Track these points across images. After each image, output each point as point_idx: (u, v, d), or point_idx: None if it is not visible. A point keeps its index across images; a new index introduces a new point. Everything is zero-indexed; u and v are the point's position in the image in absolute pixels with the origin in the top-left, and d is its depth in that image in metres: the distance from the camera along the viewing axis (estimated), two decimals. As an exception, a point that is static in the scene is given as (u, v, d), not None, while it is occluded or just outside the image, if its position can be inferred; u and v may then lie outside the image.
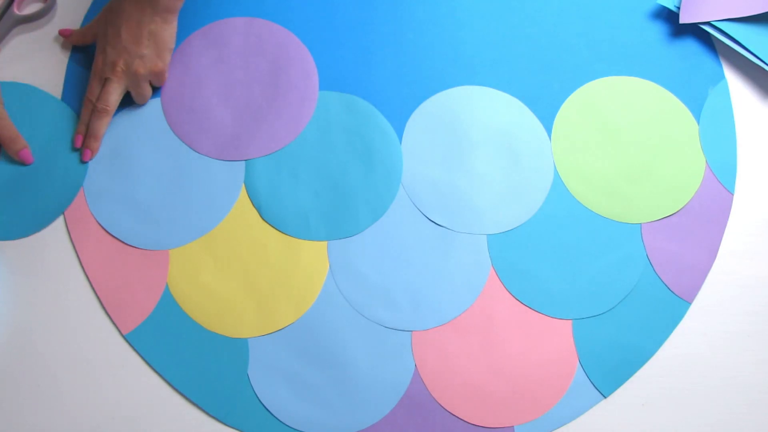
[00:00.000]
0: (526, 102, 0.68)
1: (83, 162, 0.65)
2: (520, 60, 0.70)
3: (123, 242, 0.63)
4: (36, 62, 0.68)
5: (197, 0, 0.71)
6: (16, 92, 0.66)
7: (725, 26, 0.69)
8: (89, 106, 0.64)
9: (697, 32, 0.71)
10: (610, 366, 0.60)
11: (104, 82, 0.64)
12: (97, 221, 0.63)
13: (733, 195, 0.66)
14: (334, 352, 0.60)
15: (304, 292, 0.62)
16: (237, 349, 0.60)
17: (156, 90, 0.67)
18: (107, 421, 0.58)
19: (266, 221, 0.64)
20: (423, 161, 0.66)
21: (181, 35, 0.69)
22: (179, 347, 0.60)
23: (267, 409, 0.59)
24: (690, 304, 0.63)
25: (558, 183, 0.66)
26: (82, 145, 0.65)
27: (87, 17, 0.70)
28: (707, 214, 0.65)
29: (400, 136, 0.67)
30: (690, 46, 0.71)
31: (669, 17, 0.72)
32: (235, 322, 0.61)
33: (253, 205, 0.64)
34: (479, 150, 0.66)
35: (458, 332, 0.61)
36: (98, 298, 0.61)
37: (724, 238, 0.65)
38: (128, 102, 0.67)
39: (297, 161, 0.66)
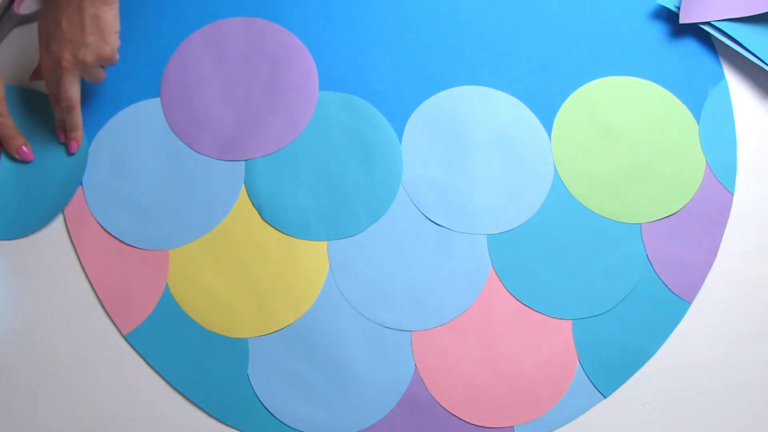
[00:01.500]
0: (526, 102, 0.68)
1: (70, 153, 0.64)
2: (520, 60, 0.70)
3: (123, 242, 0.63)
4: (36, 62, 0.68)
5: (197, 0, 0.71)
6: (15, 93, 0.66)
7: (725, 26, 0.69)
8: (57, 106, 0.63)
9: (697, 32, 0.71)
10: (610, 366, 0.60)
11: (58, 78, 0.61)
12: (96, 221, 0.63)
13: (733, 195, 0.66)
14: (334, 352, 0.60)
15: (304, 292, 0.62)
16: (237, 349, 0.60)
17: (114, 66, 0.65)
18: (107, 421, 0.58)
19: (266, 221, 0.64)
20: (423, 161, 0.66)
21: (181, 35, 0.69)
22: (179, 347, 0.60)
23: (267, 409, 0.59)
24: (690, 304, 0.63)
25: (558, 183, 0.66)
26: (66, 138, 0.64)
27: (87, 17, 0.70)
28: (707, 214, 0.65)
29: (400, 136, 0.67)
30: (690, 46, 0.71)
31: (669, 17, 0.72)
32: (235, 322, 0.61)
33: (253, 205, 0.64)
34: (479, 150, 0.66)
35: (458, 332, 0.61)
36: (98, 298, 0.61)
37: (724, 238, 0.65)
38: (129, 102, 0.67)
39: (297, 161, 0.66)
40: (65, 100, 0.62)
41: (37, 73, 0.66)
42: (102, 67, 0.63)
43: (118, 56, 0.62)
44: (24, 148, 0.63)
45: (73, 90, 0.62)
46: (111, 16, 0.60)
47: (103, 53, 0.60)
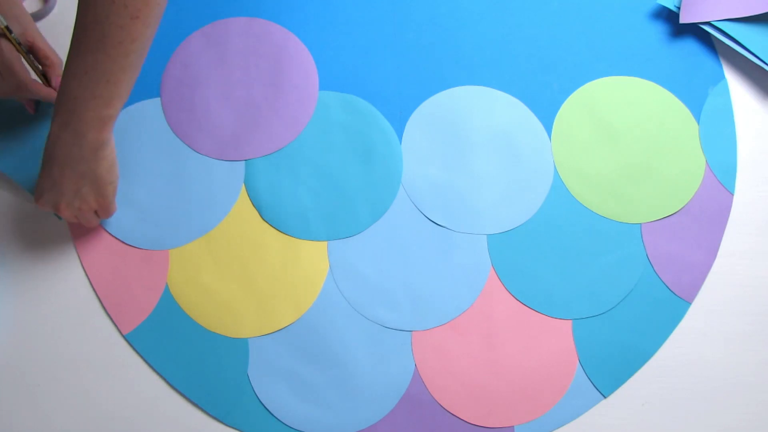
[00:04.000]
0: (526, 102, 0.68)
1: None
2: (520, 60, 0.70)
3: (123, 242, 0.63)
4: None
5: (197, 0, 0.71)
6: (13, 103, 0.66)
7: (725, 26, 0.69)
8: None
9: (697, 32, 0.71)
10: (610, 366, 0.60)
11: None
12: (97, 221, 0.63)
13: (733, 195, 0.66)
14: (334, 352, 0.60)
15: (304, 292, 0.62)
16: (237, 349, 0.60)
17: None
18: (107, 421, 0.58)
19: (266, 221, 0.64)
20: (423, 161, 0.66)
21: (181, 35, 0.69)
22: (179, 347, 0.60)
23: (267, 409, 0.59)
24: (690, 304, 0.63)
25: (558, 183, 0.66)
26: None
27: (87, 17, 0.70)
28: (707, 214, 0.65)
29: (400, 136, 0.67)
30: (690, 46, 0.71)
31: (669, 17, 0.72)
32: (235, 322, 0.61)
33: (253, 205, 0.64)
34: (479, 150, 0.66)
35: (458, 332, 0.61)
36: (98, 298, 0.61)
37: (724, 238, 0.65)
38: (129, 102, 0.67)
39: (297, 161, 0.66)
40: (91, 225, 0.62)
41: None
42: (96, 215, 0.61)
43: (114, 207, 0.61)
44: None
45: (95, 222, 0.61)
46: (103, 170, 0.56)
47: (96, 205, 0.59)
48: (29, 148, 0.64)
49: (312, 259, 0.63)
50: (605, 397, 0.60)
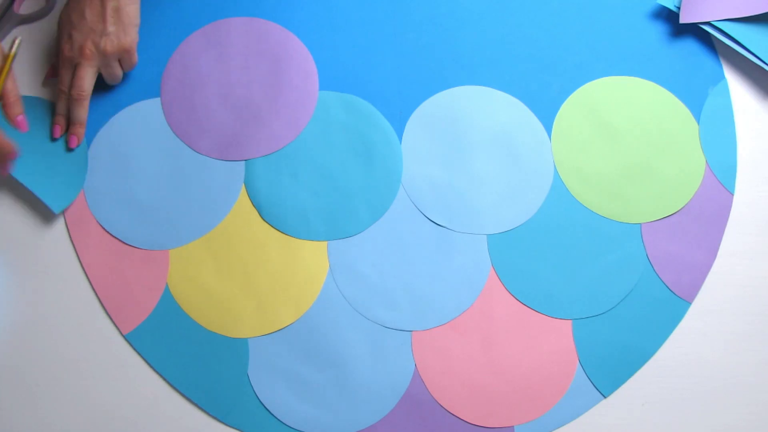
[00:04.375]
0: (526, 102, 0.68)
1: (70, 149, 0.64)
2: (520, 60, 0.70)
3: (123, 242, 0.63)
4: (35, 62, 0.68)
5: (197, 0, 0.71)
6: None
7: (725, 26, 0.69)
8: (63, 97, 0.64)
9: (697, 32, 0.71)
10: (610, 366, 0.60)
11: (75, 67, 0.63)
12: (97, 221, 0.63)
13: (733, 195, 0.66)
14: (334, 353, 0.60)
15: (304, 292, 0.62)
16: (237, 349, 0.60)
17: (126, 75, 0.67)
18: (107, 421, 0.58)
19: (266, 221, 0.64)
20: (423, 161, 0.66)
21: (181, 35, 0.69)
22: (179, 347, 0.60)
23: (267, 409, 0.59)
24: (690, 304, 0.63)
25: (558, 183, 0.66)
26: (68, 131, 0.64)
27: (87, 17, 0.70)
28: (707, 214, 0.65)
29: (400, 136, 0.67)
30: (690, 46, 0.71)
31: (669, 17, 0.72)
32: (235, 322, 0.61)
33: (253, 205, 0.64)
34: (479, 150, 0.66)
35: (458, 332, 0.61)
36: (98, 298, 0.61)
37: (724, 238, 0.65)
38: (129, 102, 0.67)
39: (297, 161, 0.66)
40: (77, 89, 0.63)
41: (53, 70, 0.67)
42: (119, 64, 0.65)
43: (136, 56, 0.65)
44: (21, 117, 0.61)
45: (87, 80, 0.63)
46: (132, 9, 0.62)
47: (123, 43, 0.63)
48: (37, 154, 0.64)
49: (312, 259, 0.63)
50: (605, 397, 0.60)
